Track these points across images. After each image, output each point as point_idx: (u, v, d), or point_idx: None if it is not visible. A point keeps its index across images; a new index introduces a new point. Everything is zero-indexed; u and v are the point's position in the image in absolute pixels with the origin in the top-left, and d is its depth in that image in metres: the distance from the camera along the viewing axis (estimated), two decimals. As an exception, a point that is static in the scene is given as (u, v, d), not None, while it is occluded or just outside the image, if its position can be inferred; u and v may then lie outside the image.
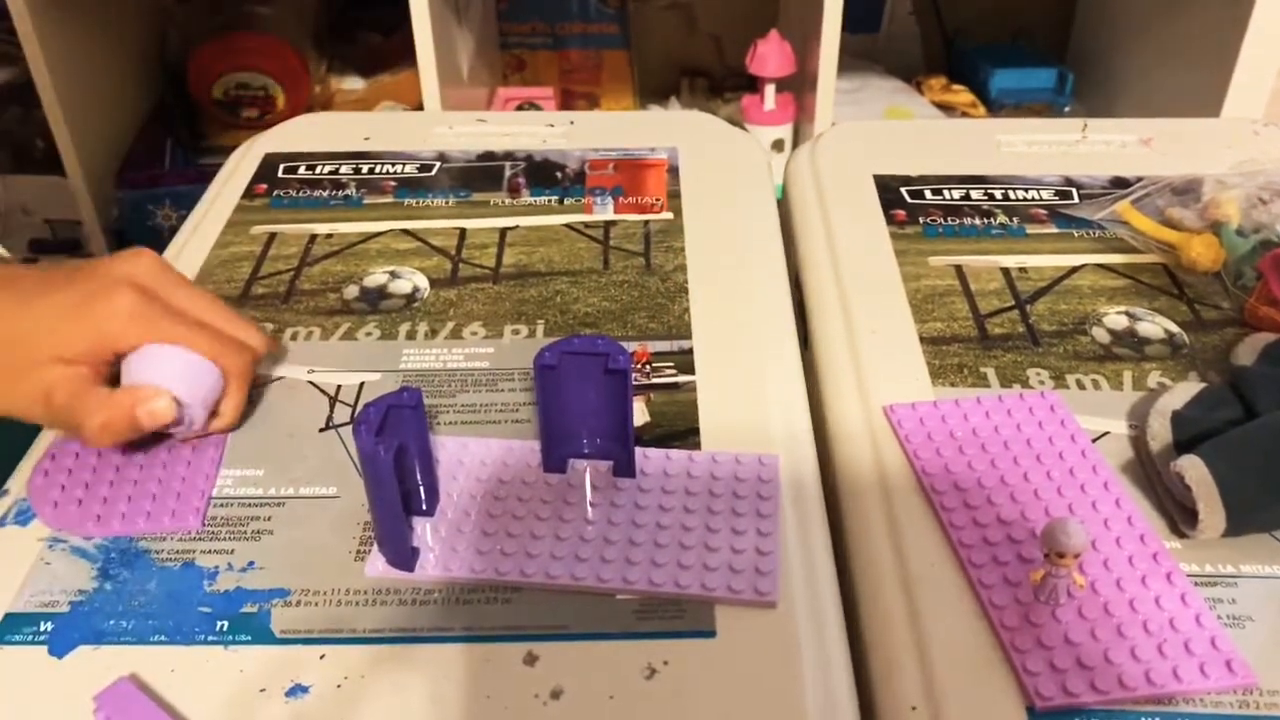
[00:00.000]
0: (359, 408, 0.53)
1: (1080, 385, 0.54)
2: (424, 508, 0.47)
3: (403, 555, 0.45)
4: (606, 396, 0.47)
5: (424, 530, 0.46)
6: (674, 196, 0.71)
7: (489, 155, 0.76)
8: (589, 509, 0.47)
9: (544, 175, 0.74)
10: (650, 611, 0.43)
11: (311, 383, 0.55)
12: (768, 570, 0.44)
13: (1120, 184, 0.71)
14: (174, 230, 0.71)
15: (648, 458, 0.49)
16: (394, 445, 0.42)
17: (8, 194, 1.48)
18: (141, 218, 1.35)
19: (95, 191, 1.32)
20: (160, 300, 0.50)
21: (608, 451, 0.49)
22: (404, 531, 0.45)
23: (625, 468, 0.48)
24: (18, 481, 0.50)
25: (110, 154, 1.33)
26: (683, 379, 0.55)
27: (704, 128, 0.81)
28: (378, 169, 0.75)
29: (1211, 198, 0.65)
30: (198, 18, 1.41)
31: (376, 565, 0.45)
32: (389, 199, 0.72)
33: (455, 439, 0.51)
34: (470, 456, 0.50)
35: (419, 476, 0.47)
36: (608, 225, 0.68)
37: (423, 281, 0.63)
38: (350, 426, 0.52)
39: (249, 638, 0.42)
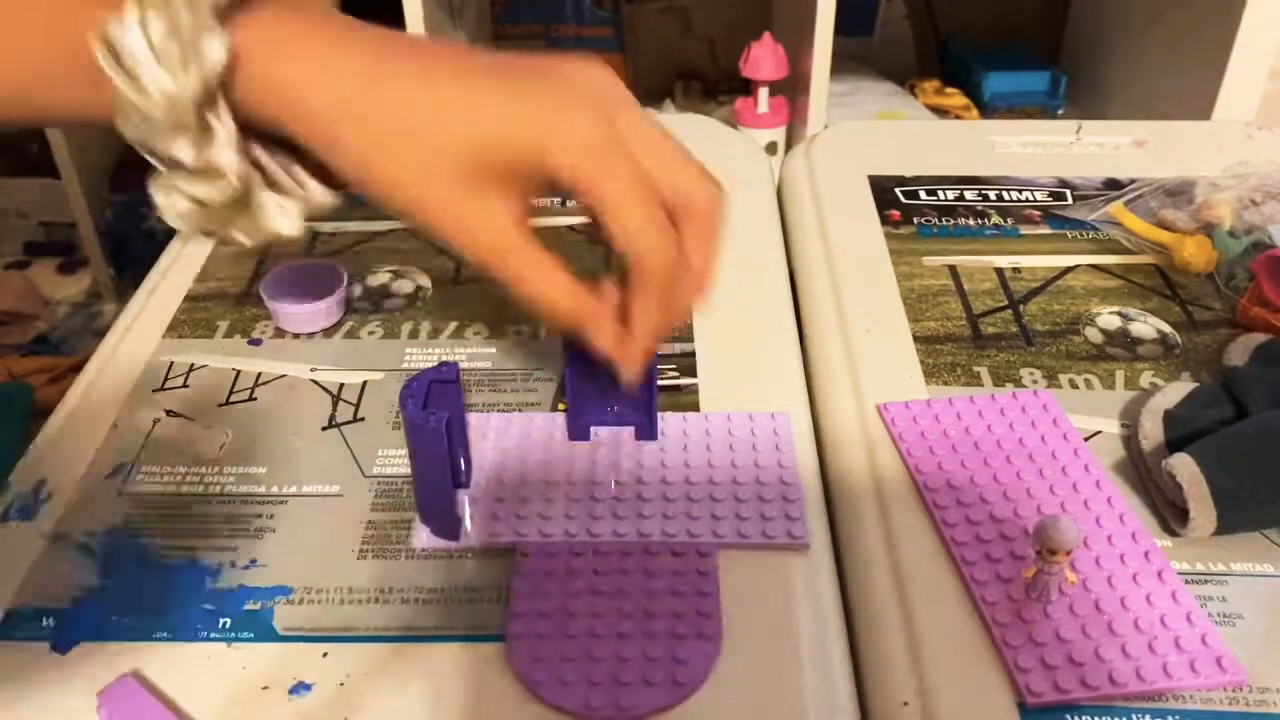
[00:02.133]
0: (360, 406, 0.54)
1: (1073, 385, 0.55)
2: (462, 480, 0.49)
3: (449, 526, 0.46)
4: None
5: (463, 501, 0.48)
6: (671, 198, 0.71)
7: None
8: (621, 470, 0.49)
9: (542, 177, 0.74)
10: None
11: (314, 381, 0.55)
12: (797, 516, 0.47)
13: (1113, 185, 0.72)
14: (170, 233, 0.71)
15: (665, 420, 0.52)
16: (444, 416, 0.43)
17: (2, 197, 1.48)
18: (136, 220, 1.36)
19: (89, 194, 1.32)
20: (621, 141, 0.42)
21: (628, 418, 0.51)
22: (452, 502, 0.46)
23: (647, 431, 0.51)
24: (18, 477, 0.50)
25: (104, 156, 1.33)
26: (685, 381, 0.55)
27: (705, 131, 0.81)
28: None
29: (1204, 199, 0.65)
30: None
31: (421, 537, 0.46)
32: (388, 200, 0.72)
33: (477, 415, 0.52)
34: (494, 431, 0.51)
35: (459, 450, 0.48)
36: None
37: (425, 281, 0.63)
38: (351, 425, 0.53)
39: (252, 635, 0.42)
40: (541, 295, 0.43)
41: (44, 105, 0.43)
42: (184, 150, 0.39)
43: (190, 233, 0.42)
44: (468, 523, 0.47)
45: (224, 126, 0.40)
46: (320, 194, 0.43)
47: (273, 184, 0.42)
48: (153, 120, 0.39)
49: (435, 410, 0.43)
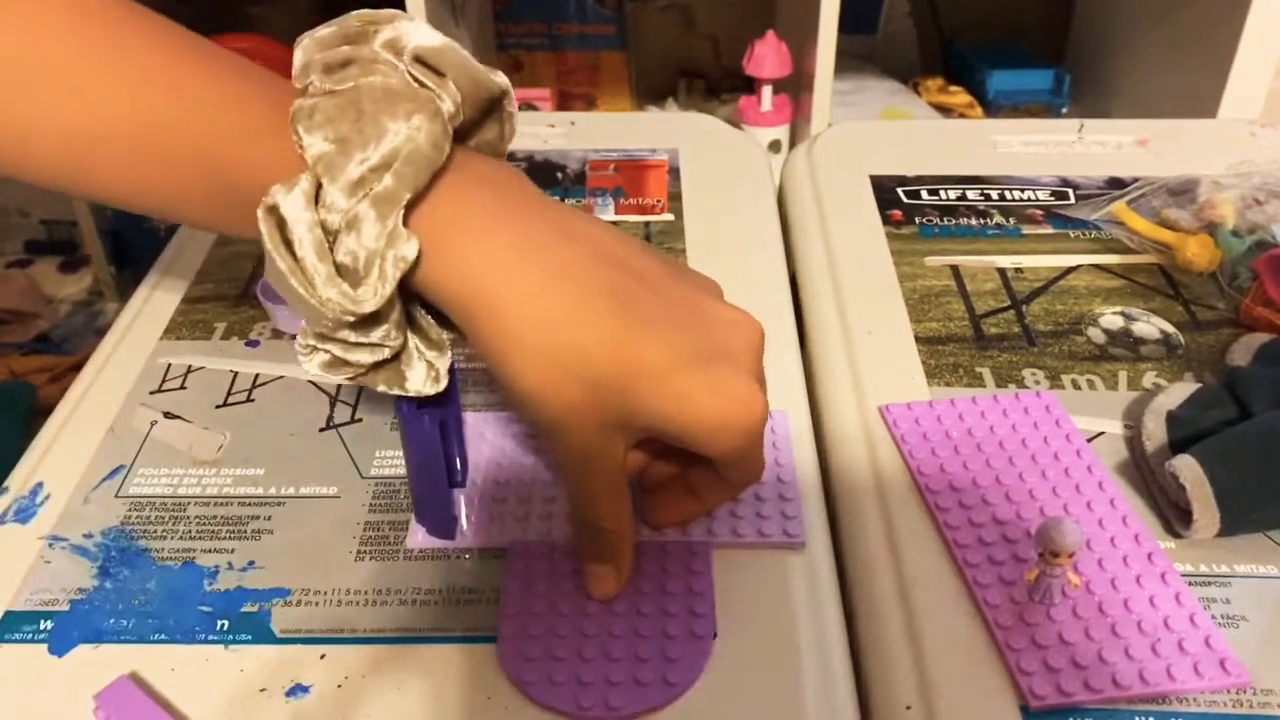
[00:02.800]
0: (358, 407, 0.53)
1: (1075, 385, 0.55)
2: (458, 479, 0.48)
3: (444, 524, 0.46)
4: None
5: (459, 501, 0.48)
6: (674, 198, 0.71)
7: (487, 156, 0.76)
8: None
9: (545, 176, 0.74)
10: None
11: (312, 382, 0.55)
12: (794, 515, 0.47)
13: (1116, 184, 0.71)
14: (170, 232, 0.71)
15: None
16: (438, 415, 0.42)
17: (3, 195, 1.48)
18: (137, 219, 1.35)
19: (92, 192, 1.32)
20: (764, 424, 0.41)
21: None
22: (447, 500, 0.46)
23: None
24: (16, 479, 0.50)
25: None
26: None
27: (704, 129, 0.81)
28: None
29: (1207, 199, 0.65)
30: (195, 19, 1.41)
31: (416, 537, 0.46)
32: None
33: (474, 414, 0.52)
34: (491, 431, 0.51)
35: (454, 450, 0.48)
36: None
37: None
38: (349, 426, 0.52)
39: (249, 637, 0.42)
40: (601, 544, 0.43)
41: (189, 225, 0.42)
42: (346, 333, 0.38)
43: (329, 378, 0.41)
44: (464, 522, 0.47)
45: (394, 312, 0.38)
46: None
47: (425, 339, 0.41)
48: (320, 315, 0.37)
49: (430, 409, 0.42)
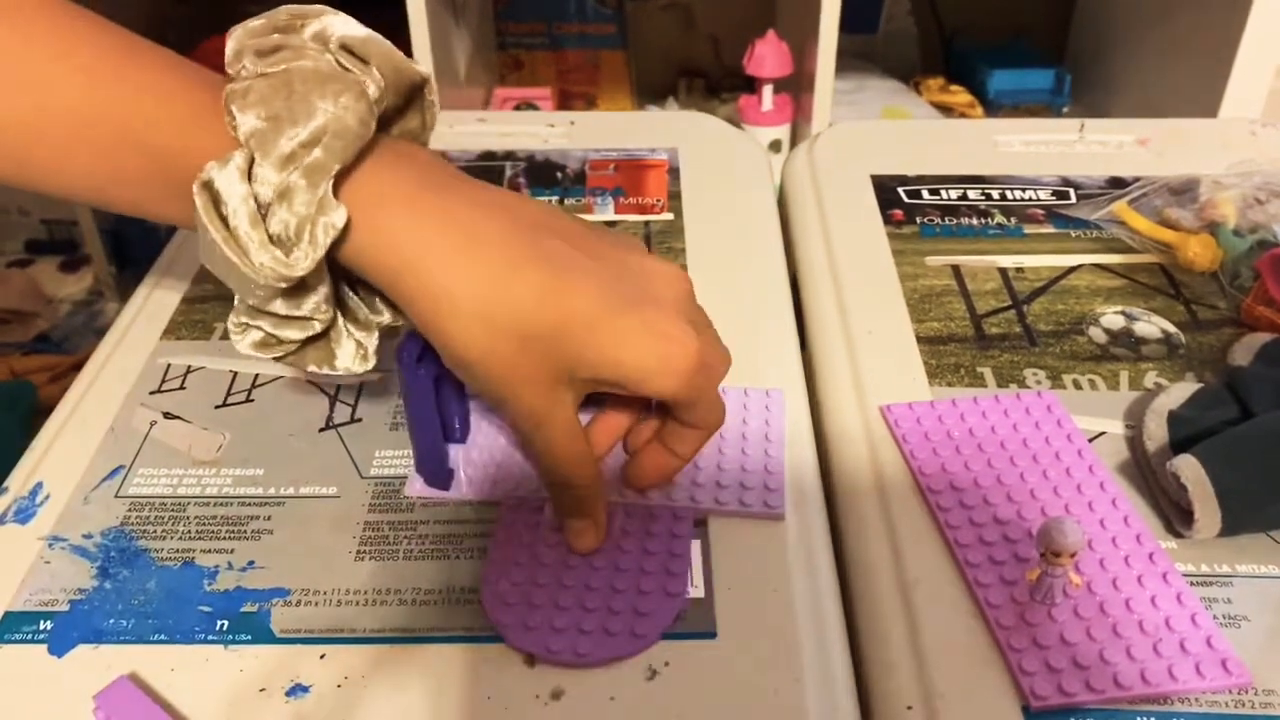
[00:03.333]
0: (358, 407, 0.53)
1: (1077, 385, 0.55)
2: (456, 435, 0.50)
3: (440, 475, 0.47)
4: None
5: (458, 455, 0.49)
6: (674, 197, 0.71)
7: (489, 155, 0.76)
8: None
9: (544, 176, 0.74)
10: (649, 611, 0.43)
11: (311, 382, 0.55)
12: (776, 487, 0.48)
13: (1117, 184, 0.71)
14: (170, 232, 0.71)
15: None
16: (434, 369, 0.43)
17: (3, 195, 1.48)
18: (138, 219, 1.35)
19: (92, 191, 1.31)
20: (706, 361, 0.43)
21: None
22: (442, 451, 0.47)
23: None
24: (16, 479, 0.50)
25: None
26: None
27: (704, 128, 0.81)
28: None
29: (1208, 198, 0.65)
30: (195, 19, 1.41)
31: (415, 485, 0.48)
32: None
33: None
34: None
35: (453, 406, 0.49)
36: (608, 226, 0.68)
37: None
38: (349, 426, 0.52)
39: (249, 637, 0.42)
40: (574, 500, 0.44)
41: (124, 210, 0.44)
42: (277, 305, 0.40)
43: (260, 358, 0.42)
44: (462, 475, 0.48)
45: (323, 284, 0.40)
46: (394, 318, 0.44)
47: (354, 319, 0.42)
48: (254, 284, 0.38)
49: (427, 364, 0.43)
